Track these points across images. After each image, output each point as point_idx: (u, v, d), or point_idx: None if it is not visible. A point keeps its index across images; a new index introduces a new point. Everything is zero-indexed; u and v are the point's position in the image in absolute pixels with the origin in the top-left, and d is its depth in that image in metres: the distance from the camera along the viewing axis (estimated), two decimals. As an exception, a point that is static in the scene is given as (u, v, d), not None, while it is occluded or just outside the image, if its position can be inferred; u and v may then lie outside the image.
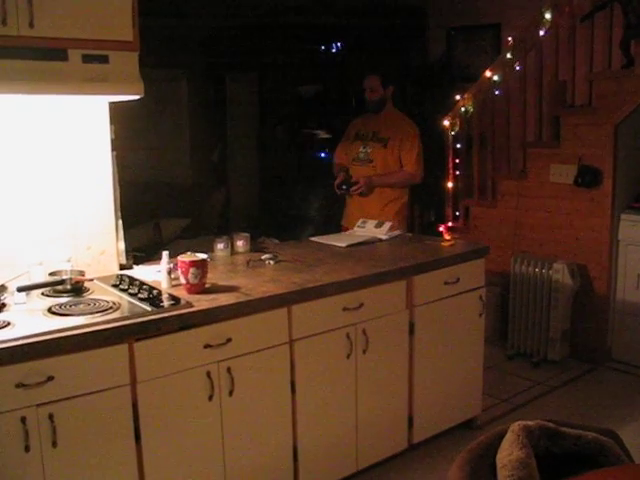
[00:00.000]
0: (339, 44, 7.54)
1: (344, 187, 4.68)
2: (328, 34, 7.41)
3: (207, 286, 2.83)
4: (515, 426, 1.49)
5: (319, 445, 3.08)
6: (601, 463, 1.46)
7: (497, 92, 5.19)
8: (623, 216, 4.71)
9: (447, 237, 3.98)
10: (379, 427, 3.33)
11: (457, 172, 5.43)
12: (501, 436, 1.50)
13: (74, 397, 2.32)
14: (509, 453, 1.42)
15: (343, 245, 3.75)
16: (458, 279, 3.55)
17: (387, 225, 4.03)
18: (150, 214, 6.01)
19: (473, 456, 1.50)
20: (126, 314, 2.48)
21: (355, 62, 6.80)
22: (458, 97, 5.35)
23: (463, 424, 3.77)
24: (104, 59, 2.54)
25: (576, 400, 4.30)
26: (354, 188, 4.63)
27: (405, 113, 4.83)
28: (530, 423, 1.49)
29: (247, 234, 3.63)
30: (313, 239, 4.00)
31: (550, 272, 4.73)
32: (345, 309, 3.06)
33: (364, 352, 3.16)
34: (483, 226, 5.36)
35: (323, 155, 7.08)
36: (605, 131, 4.59)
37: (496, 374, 4.63)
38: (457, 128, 5.38)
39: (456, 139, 5.43)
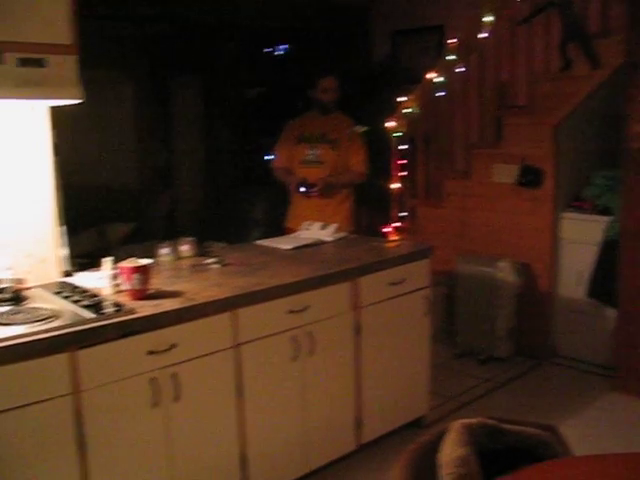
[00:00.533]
0: (284, 46, 7.54)
1: (303, 189, 4.64)
2: (273, 36, 7.41)
3: (151, 292, 2.79)
4: (456, 424, 1.50)
5: (268, 448, 3.07)
6: (540, 457, 1.49)
7: (440, 93, 5.22)
8: (564, 215, 4.80)
9: (392, 238, 4.00)
10: (328, 428, 3.33)
11: (404, 173, 5.45)
12: (443, 435, 1.52)
13: (14, 409, 2.27)
14: (450, 451, 1.44)
15: (288, 248, 3.75)
16: (403, 279, 3.58)
17: (332, 227, 4.04)
18: (95, 219, 5.91)
19: (415, 456, 1.51)
20: (67, 322, 2.43)
21: (300, 64, 6.81)
22: (402, 99, 5.38)
23: (411, 423, 3.79)
24: (40, 63, 2.49)
25: (522, 396, 4.38)
26: (314, 190, 4.60)
27: (348, 115, 4.85)
28: (471, 421, 1.51)
29: (192, 238, 3.59)
30: (259, 242, 3.99)
31: (495, 271, 4.80)
32: (291, 312, 3.06)
33: (311, 354, 3.16)
34: (429, 226, 5.41)
35: (269, 157, 7.06)
36: (545, 132, 4.68)
37: (443, 373, 4.66)
38: (402, 129, 5.41)
39: (401, 140, 5.45)
